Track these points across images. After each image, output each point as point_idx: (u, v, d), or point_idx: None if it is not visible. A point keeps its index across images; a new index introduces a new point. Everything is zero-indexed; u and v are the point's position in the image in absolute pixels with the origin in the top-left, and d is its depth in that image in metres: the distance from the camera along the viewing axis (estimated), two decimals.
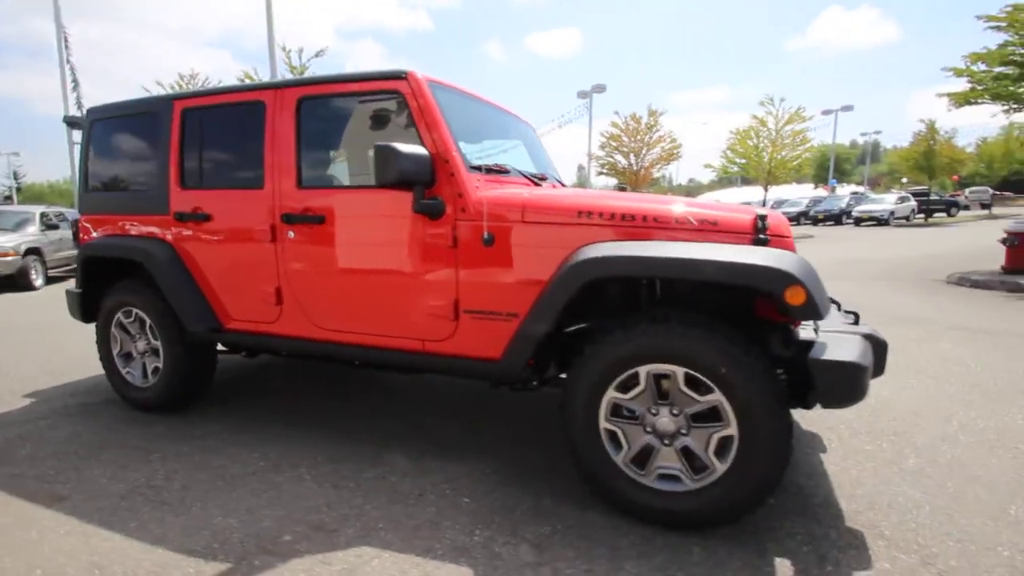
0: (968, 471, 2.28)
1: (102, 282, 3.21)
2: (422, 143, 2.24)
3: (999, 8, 7.49)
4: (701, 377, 1.77)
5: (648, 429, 1.90)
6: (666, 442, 1.88)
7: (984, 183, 30.32)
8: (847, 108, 28.65)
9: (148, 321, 2.98)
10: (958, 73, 8.03)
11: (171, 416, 3.01)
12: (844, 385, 1.64)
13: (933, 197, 24.11)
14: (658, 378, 1.86)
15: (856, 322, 2.19)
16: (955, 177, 27.95)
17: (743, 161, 16.79)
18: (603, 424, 1.94)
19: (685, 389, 1.81)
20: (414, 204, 2.20)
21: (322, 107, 2.53)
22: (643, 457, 1.92)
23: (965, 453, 2.44)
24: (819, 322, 2.01)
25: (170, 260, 2.84)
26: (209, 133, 2.82)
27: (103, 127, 3.19)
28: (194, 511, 2.06)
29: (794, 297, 1.61)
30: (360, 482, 2.27)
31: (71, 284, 3.42)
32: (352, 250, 2.43)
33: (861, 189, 34.42)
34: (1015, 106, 7.67)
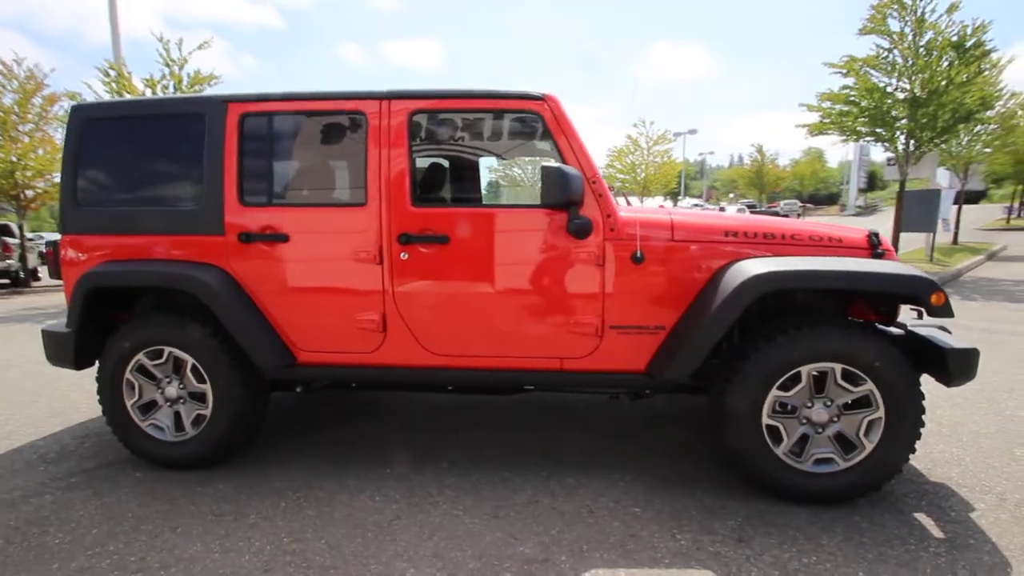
0: (968, 428, 2.95)
1: (101, 319, 2.62)
2: (563, 163, 2.28)
3: (839, 57, 9.48)
4: (856, 371, 2.09)
5: (803, 421, 2.18)
6: (819, 430, 2.18)
7: (795, 196, 38.17)
8: (692, 131, 33.52)
9: (190, 362, 2.50)
10: (811, 109, 9.97)
11: (205, 472, 2.55)
12: (971, 367, 2.08)
13: (758, 208, 29.28)
14: (816, 375, 2.15)
15: (920, 316, 2.71)
16: (778, 188, 34.60)
17: (624, 176, 18.59)
18: (765, 421, 2.17)
19: (842, 382, 2.12)
20: (569, 224, 2.23)
21: (439, 122, 2.42)
22: (799, 446, 2.19)
23: (963, 414, 3.14)
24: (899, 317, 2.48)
25: (229, 287, 2.44)
26: (280, 143, 2.50)
27: (103, 129, 2.61)
28: (374, 567, 1.84)
29: (938, 300, 2.02)
30: (515, 509, 2.21)
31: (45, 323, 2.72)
32: (484, 271, 2.36)
33: (700, 201, 40.69)
34: (854, 137, 9.83)
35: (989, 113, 9.84)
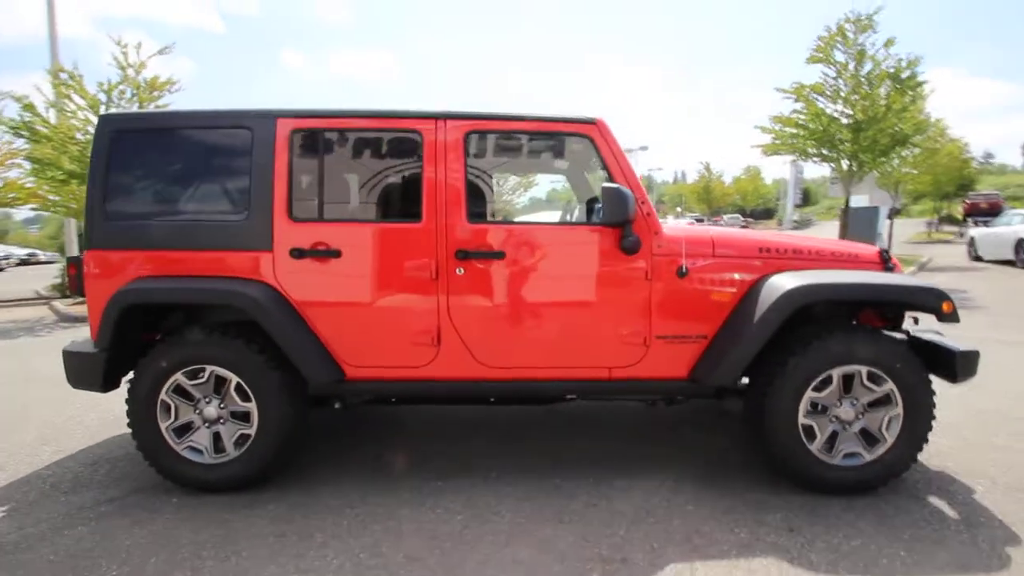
0: (949, 421, 3.31)
1: (132, 339, 2.51)
2: (613, 183, 2.42)
3: (790, 83, 10.28)
4: (880, 373, 2.34)
5: (832, 419, 2.41)
6: (846, 428, 2.41)
7: (738, 211, 41.02)
8: (644, 148, 35.24)
9: (235, 380, 2.44)
10: (764, 131, 10.74)
11: (246, 494, 2.48)
12: (974, 366, 2.37)
13: (705, 220, 31.07)
14: (845, 377, 2.38)
15: (916, 323, 3.01)
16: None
17: None
18: (802, 420, 2.38)
19: (867, 383, 2.37)
20: (623, 241, 2.38)
21: (492, 143, 2.51)
22: (829, 442, 2.41)
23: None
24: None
25: (279, 304, 2.42)
26: (331, 160, 2.50)
27: (135, 140, 2.53)
28: None
29: (948, 308, 2.30)
30: (577, 514, 2.30)
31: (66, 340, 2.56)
32: (539, 285, 2.45)
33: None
34: (804, 157, 10.67)
35: (919, 137, 10.96)
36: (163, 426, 2.47)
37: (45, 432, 3.37)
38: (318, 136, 2.49)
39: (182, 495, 2.49)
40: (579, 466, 2.73)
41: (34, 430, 3.40)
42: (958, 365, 2.35)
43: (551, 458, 2.83)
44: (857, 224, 10.32)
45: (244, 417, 2.49)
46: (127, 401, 2.49)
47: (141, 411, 2.45)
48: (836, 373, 2.36)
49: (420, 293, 2.45)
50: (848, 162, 10.04)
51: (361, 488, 2.53)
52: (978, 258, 12.61)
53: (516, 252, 2.43)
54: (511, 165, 2.68)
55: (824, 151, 10.14)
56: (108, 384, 2.53)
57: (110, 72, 9.22)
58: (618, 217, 2.27)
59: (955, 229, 23.08)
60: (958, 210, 24.64)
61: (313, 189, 2.50)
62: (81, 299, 2.87)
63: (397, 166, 2.51)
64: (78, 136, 8.52)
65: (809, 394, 2.36)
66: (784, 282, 2.36)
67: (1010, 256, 11.20)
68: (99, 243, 2.50)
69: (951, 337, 2.57)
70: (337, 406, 2.75)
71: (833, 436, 2.41)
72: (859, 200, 12.50)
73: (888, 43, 9.40)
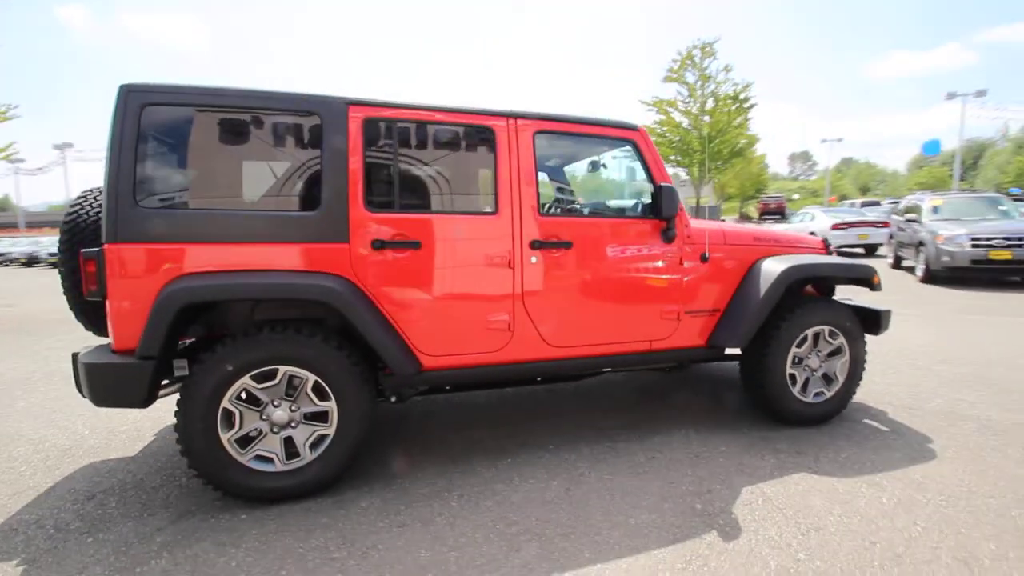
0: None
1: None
2: (653, 183, 2.84)
3: (651, 97, 11.89)
4: (836, 330, 3.13)
5: (805, 368, 3.14)
6: (814, 373, 3.16)
7: None
8: None
9: (312, 379, 2.32)
10: None
11: (316, 500, 2.40)
12: (888, 322, 3.29)
13: None
14: (815, 335, 3.13)
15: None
16: None
17: None
18: (789, 370, 3.07)
19: (828, 339, 3.14)
20: (667, 232, 2.81)
21: (554, 142, 2.73)
22: (804, 386, 3.14)
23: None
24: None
25: (360, 296, 2.36)
26: (405, 151, 2.49)
27: (168, 118, 2.22)
28: (620, 521, 2.13)
29: (876, 280, 3.18)
30: (645, 466, 2.68)
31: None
32: (601, 271, 2.76)
33: None
34: (666, 163, 12.39)
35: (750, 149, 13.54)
36: (225, 437, 2.24)
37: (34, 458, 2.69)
38: (391, 126, 2.46)
39: (248, 509, 2.29)
40: (616, 431, 3.11)
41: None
42: (882, 322, 3.25)
43: (588, 428, 3.16)
44: (708, 219, 12.46)
45: (320, 418, 2.37)
46: (178, 415, 2.20)
47: (199, 424, 2.19)
48: (810, 333, 3.09)
49: (497, 282, 2.58)
50: (699, 168, 12.03)
51: (441, 475, 2.59)
52: None
53: (581, 242, 2.71)
54: (563, 162, 2.92)
55: (679, 158, 11.99)
56: (150, 398, 2.20)
57: None
58: (673, 211, 2.69)
59: None
60: (752, 210, 30.51)
61: (388, 180, 2.46)
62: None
63: (469, 160, 2.58)
64: None
65: (793, 350, 3.07)
66: (777, 265, 3.02)
67: None
68: (128, 235, 2.15)
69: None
70: (393, 400, 2.74)
71: (806, 381, 3.16)
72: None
73: (726, 68, 11.50)
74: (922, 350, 4.75)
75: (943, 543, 2.00)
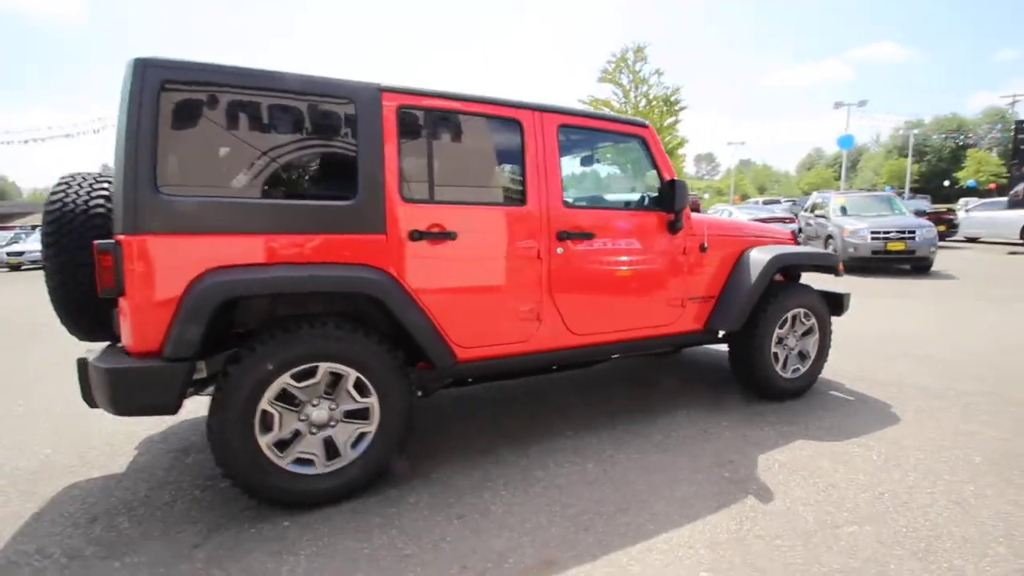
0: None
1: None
2: (660, 178, 3.02)
3: (586, 96, 12.33)
4: (810, 312, 3.49)
5: (785, 347, 3.48)
6: (791, 351, 3.51)
7: None
8: None
9: (353, 375, 2.23)
10: None
11: (358, 499, 2.33)
12: (848, 304, 3.71)
13: None
14: (793, 317, 3.47)
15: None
16: None
17: None
18: (773, 350, 3.38)
19: (803, 320, 3.50)
20: (675, 223, 2.99)
21: (574, 136, 2.80)
22: (784, 363, 3.48)
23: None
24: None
25: (399, 288, 2.31)
26: (438, 139, 2.46)
27: (188, 97, 2.04)
28: (665, 493, 2.25)
29: (840, 268, 3.58)
30: (665, 444, 2.85)
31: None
32: (620, 261, 2.89)
33: None
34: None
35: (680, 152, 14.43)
36: (263, 442, 2.11)
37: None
38: (425, 115, 2.41)
39: (290, 517, 2.17)
40: (625, 415, 3.27)
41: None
42: (844, 304, 3.67)
43: (600, 414, 3.28)
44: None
45: (359, 415, 2.29)
46: (211, 423, 2.04)
47: (236, 429, 2.05)
48: (789, 315, 3.43)
49: (527, 272, 2.62)
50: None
51: (475, 467, 2.59)
52: None
53: (602, 233, 2.82)
54: (588, 156, 3.01)
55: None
56: (180, 400, 2.01)
57: None
58: (684, 205, 2.88)
59: None
60: None
61: (421, 169, 2.41)
62: None
63: (498, 150, 2.58)
64: None
65: (776, 331, 3.39)
66: (764, 255, 3.31)
67: None
68: (150, 226, 1.95)
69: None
70: (420, 394, 2.70)
71: (786, 359, 3.50)
72: None
73: (658, 72, 12.19)
74: (850, 330, 5.38)
75: (935, 489, 2.33)
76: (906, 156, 33.78)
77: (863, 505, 2.21)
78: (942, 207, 18.74)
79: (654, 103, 12.20)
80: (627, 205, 3.10)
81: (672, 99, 12.29)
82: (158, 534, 2.08)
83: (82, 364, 2.07)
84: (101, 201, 2.28)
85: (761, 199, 27.65)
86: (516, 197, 2.62)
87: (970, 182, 35.80)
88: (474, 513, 2.18)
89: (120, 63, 2.01)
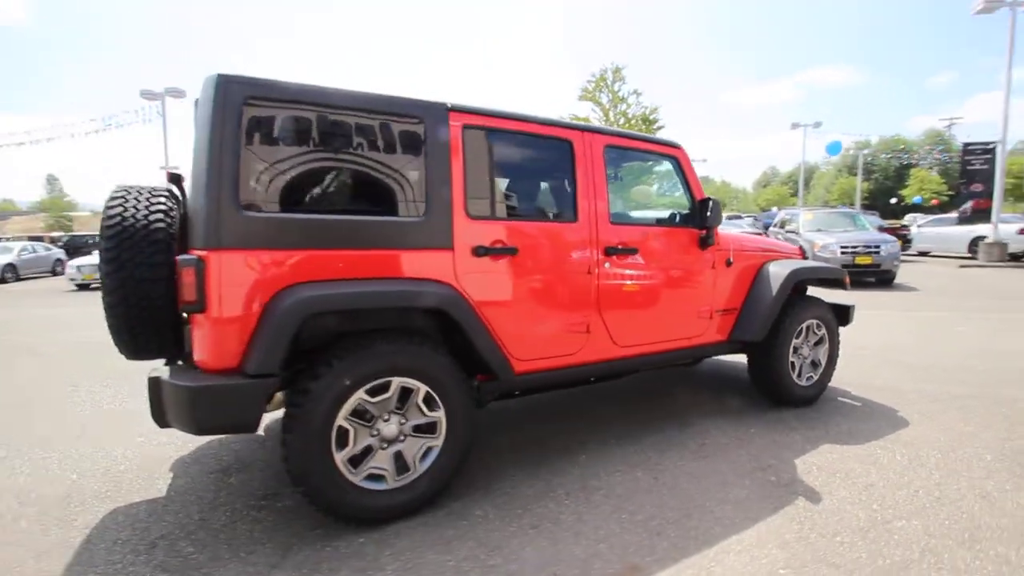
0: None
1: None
2: (692, 196, 3.18)
3: (567, 113, 12.60)
4: (821, 322, 3.71)
5: (800, 356, 3.68)
6: (805, 360, 3.72)
7: None
8: None
9: (423, 390, 2.26)
10: None
11: (429, 513, 2.35)
12: (853, 315, 3.95)
13: None
14: (806, 327, 3.67)
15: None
16: None
17: None
18: (790, 359, 3.57)
19: (815, 330, 3.71)
20: (707, 239, 3.15)
21: (617, 156, 2.93)
22: (799, 372, 3.68)
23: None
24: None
25: (466, 303, 2.36)
26: (499, 158, 2.54)
27: (270, 115, 2.06)
28: (712, 494, 2.35)
29: (847, 280, 3.82)
30: (701, 451, 2.97)
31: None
32: (661, 276, 3.01)
33: None
34: None
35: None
36: (339, 458, 2.10)
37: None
38: (487, 134, 2.49)
39: (364, 533, 2.17)
40: (655, 424, 3.38)
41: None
42: (850, 315, 3.91)
43: (634, 424, 3.38)
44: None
45: (427, 429, 2.31)
46: (287, 440, 2.02)
47: (315, 446, 2.04)
48: (803, 326, 3.64)
49: (579, 286, 2.72)
50: None
51: (533, 476, 2.64)
52: None
53: (643, 248, 2.94)
54: (628, 175, 3.14)
55: None
56: (258, 416, 1.99)
57: None
58: (718, 222, 3.04)
59: None
60: None
61: (484, 186, 2.48)
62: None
63: (551, 170, 2.67)
64: None
65: (793, 341, 3.58)
66: (783, 269, 3.51)
67: None
68: (232, 241, 1.95)
69: None
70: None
71: (800, 368, 3.70)
72: None
73: (636, 92, 12.62)
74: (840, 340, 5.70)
75: (960, 485, 2.53)
76: (855, 175, 35.78)
77: (903, 502, 2.38)
78: (896, 223, 19.92)
79: (633, 121, 12.62)
80: (658, 222, 3.24)
81: (651, 118, 12.75)
82: (228, 556, 2.04)
83: (154, 383, 2.02)
84: (161, 215, 2.25)
85: (725, 215, 28.93)
86: (569, 214, 2.72)
87: (916, 199, 38.22)
88: (546, 522, 2.23)
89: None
